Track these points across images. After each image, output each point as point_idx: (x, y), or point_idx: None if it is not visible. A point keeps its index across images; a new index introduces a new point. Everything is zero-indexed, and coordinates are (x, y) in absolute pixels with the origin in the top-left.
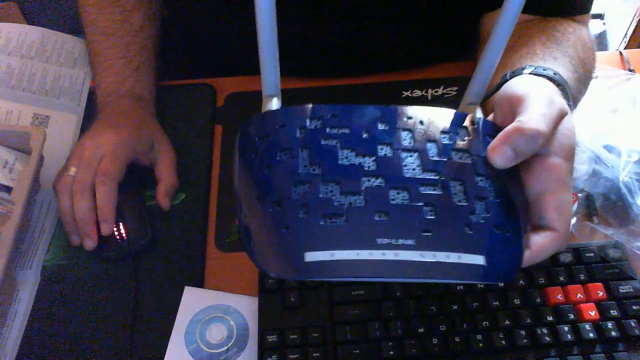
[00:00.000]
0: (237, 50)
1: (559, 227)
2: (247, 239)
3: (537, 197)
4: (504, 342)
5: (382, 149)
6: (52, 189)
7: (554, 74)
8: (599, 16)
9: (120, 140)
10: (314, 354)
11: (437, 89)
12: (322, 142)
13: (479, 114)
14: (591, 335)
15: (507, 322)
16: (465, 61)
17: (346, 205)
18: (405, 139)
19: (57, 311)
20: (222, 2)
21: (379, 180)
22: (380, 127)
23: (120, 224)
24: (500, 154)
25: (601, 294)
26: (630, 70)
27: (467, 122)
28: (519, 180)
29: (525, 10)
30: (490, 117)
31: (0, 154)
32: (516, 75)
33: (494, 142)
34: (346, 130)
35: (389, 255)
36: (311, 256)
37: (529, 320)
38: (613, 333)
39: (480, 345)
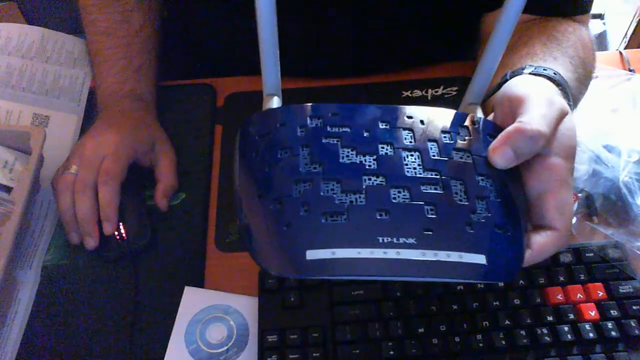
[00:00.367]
0: (237, 50)
1: (560, 226)
2: (248, 238)
3: (538, 196)
4: (504, 342)
5: (383, 147)
6: (51, 188)
7: (554, 73)
8: (599, 16)
9: (121, 140)
10: (314, 354)
11: (437, 89)
12: (323, 141)
13: (479, 114)
14: (591, 335)
15: (507, 322)
16: (465, 61)
17: (347, 203)
18: (406, 138)
19: (57, 311)
20: (222, 2)
21: (380, 179)
22: (381, 126)
23: (120, 224)
24: (501, 155)
25: (601, 294)
26: (630, 70)
27: (467, 122)
28: (520, 180)
29: (525, 10)
30: (490, 117)
31: (0, 154)
32: (516, 75)
33: (495, 143)
34: (347, 129)
35: (391, 253)
36: (312, 254)
37: (529, 320)
38: (613, 333)
39: (480, 345)
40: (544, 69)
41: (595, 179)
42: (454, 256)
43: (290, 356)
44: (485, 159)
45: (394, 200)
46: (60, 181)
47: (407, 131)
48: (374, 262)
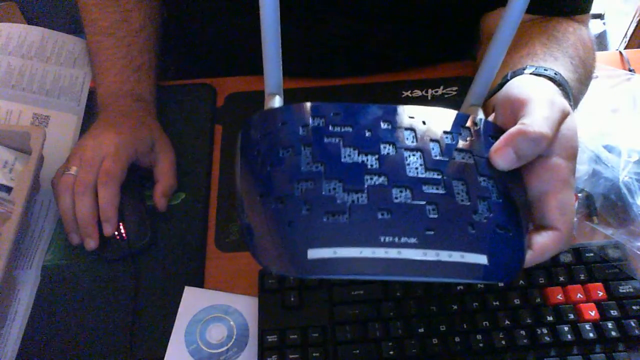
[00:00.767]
0: (237, 50)
1: (562, 226)
2: (249, 236)
3: (539, 197)
4: (504, 342)
5: (385, 147)
6: (51, 188)
7: (555, 74)
8: (599, 16)
9: (122, 140)
10: (314, 354)
11: (437, 89)
12: (325, 140)
13: (480, 115)
14: (591, 335)
15: (507, 322)
16: (465, 61)
17: (349, 202)
18: (408, 138)
19: (57, 311)
20: (223, 2)
21: (382, 178)
22: (383, 126)
23: (120, 224)
24: (503, 156)
25: (601, 294)
26: (630, 70)
27: (469, 123)
28: (521, 180)
29: (525, 10)
30: (490, 117)
31: (0, 154)
32: (517, 76)
33: (497, 144)
34: (349, 129)
35: (392, 253)
36: (314, 253)
37: (529, 320)
38: (613, 333)
39: (480, 345)
40: (545, 69)
41: (595, 179)
42: (455, 256)
43: (290, 356)
44: (486, 160)
45: (395, 200)
46: (60, 182)
47: (409, 131)
48: (376, 262)
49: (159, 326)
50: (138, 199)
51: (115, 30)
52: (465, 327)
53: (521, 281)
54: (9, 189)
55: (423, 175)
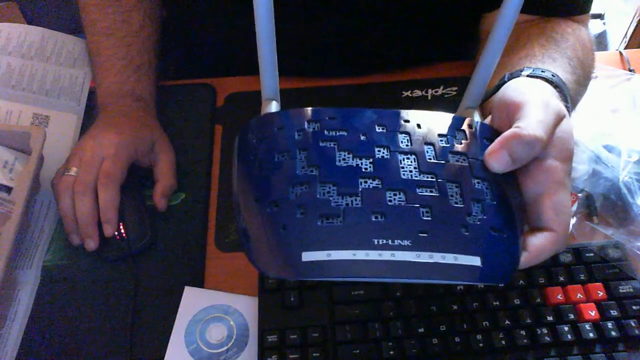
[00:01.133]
0: (237, 50)
1: (557, 227)
2: (245, 240)
3: (534, 198)
4: (504, 342)
5: (379, 151)
6: (52, 189)
7: (553, 75)
8: (599, 16)
9: (122, 141)
10: (314, 354)
11: (437, 89)
12: (320, 144)
13: (476, 117)
14: (591, 335)
15: (507, 322)
16: (465, 61)
17: (343, 206)
18: (403, 142)
19: (57, 311)
20: (223, 2)
21: (376, 181)
22: (378, 129)
23: (120, 224)
24: (497, 159)
25: (601, 294)
26: (630, 70)
27: (464, 126)
28: (516, 182)
29: (523, 10)
30: (487, 120)
31: (0, 154)
32: (514, 77)
33: (491, 147)
34: (344, 133)
35: (386, 255)
36: (308, 256)
37: (529, 320)
38: (613, 333)
39: (480, 345)
40: (543, 71)
41: (595, 179)
42: (449, 258)
43: (290, 356)
44: (481, 162)
45: (389, 203)
46: (60, 183)
47: (403, 134)
48: (369, 264)
49: (159, 326)
50: (138, 199)
51: (115, 31)
52: (465, 327)
53: (521, 281)
54: (9, 189)
55: (417, 178)
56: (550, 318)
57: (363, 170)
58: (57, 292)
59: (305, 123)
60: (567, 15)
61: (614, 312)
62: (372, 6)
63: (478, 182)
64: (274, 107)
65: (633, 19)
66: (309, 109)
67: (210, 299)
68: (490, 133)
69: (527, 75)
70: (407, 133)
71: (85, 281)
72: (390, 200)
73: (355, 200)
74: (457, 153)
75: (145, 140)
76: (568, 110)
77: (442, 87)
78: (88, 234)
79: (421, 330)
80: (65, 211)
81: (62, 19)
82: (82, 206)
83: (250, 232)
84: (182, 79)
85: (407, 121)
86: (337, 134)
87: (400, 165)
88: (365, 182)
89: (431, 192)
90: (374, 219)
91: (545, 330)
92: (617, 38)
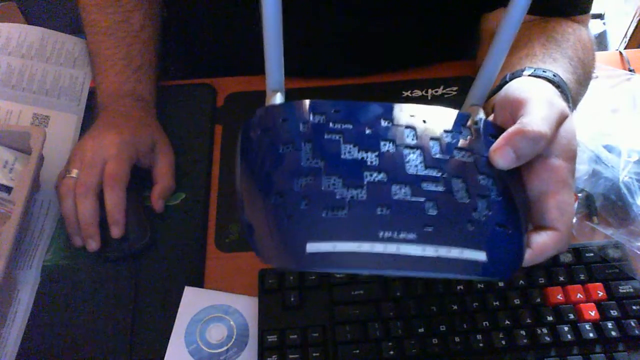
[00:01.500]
0: (237, 50)
1: (561, 226)
2: (249, 230)
3: (539, 197)
4: (504, 342)
5: (384, 144)
6: (52, 189)
7: (554, 75)
8: (599, 16)
9: (123, 141)
10: (314, 354)
11: (437, 89)
12: (325, 136)
13: (481, 114)
14: (591, 335)
15: (507, 322)
16: (465, 61)
17: (348, 198)
18: (408, 136)
19: (57, 311)
20: (223, 2)
21: (382, 175)
22: (383, 123)
23: None
24: (502, 155)
25: (601, 294)
26: (630, 70)
27: (469, 122)
28: (521, 180)
29: None
30: (490, 118)
31: (0, 154)
32: (516, 77)
33: (496, 143)
34: (349, 126)
35: (391, 248)
36: (312, 247)
37: (529, 320)
38: (613, 333)
39: (480, 345)
40: (544, 71)
41: (595, 179)
42: (454, 252)
43: (290, 356)
44: (486, 158)
45: (394, 197)
46: (62, 185)
47: (409, 129)
48: (374, 257)
49: (159, 326)
50: (138, 199)
51: (115, 31)
52: (465, 327)
53: (521, 281)
54: (9, 189)
55: (422, 173)
56: (550, 318)
57: (368, 163)
58: (57, 292)
59: (310, 115)
60: (568, 15)
61: (614, 312)
62: (373, 6)
63: (483, 179)
64: (278, 98)
65: (633, 19)
66: (314, 101)
67: (210, 299)
68: (494, 130)
69: (529, 75)
70: (413, 128)
71: (85, 281)
72: (395, 194)
73: (361, 193)
74: (463, 149)
75: (145, 141)
76: (569, 110)
77: (442, 87)
78: (90, 235)
79: (421, 330)
80: (67, 213)
81: (62, 19)
82: (84, 208)
83: (254, 222)
84: (182, 79)
85: (413, 116)
86: (343, 126)
87: (406, 160)
88: (371, 175)
89: (436, 187)
90: (379, 212)
91: (545, 330)
92: (617, 38)
